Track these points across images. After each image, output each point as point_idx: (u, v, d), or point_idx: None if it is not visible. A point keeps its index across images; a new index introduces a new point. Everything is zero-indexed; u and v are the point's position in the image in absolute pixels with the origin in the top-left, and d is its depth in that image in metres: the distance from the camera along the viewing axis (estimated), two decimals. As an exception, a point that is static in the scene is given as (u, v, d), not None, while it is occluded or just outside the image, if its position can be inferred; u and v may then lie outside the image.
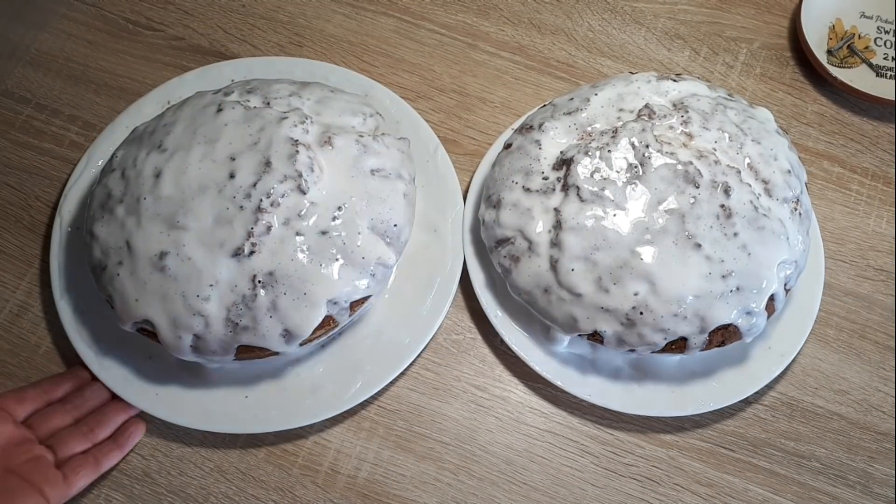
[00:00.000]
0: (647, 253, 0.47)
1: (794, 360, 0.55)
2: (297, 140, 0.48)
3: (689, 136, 0.50)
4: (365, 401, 0.55)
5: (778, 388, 0.56)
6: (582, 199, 0.48)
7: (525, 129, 0.54)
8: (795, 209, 0.50)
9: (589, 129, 0.52)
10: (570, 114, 0.53)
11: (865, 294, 0.59)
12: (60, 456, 0.49)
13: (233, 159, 0.48)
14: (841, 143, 0.65)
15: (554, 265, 0.48)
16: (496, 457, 0.54)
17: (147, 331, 0.48)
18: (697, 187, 0.48)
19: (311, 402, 0.52)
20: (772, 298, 0.48)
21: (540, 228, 0.49)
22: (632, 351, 0.49)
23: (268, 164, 0.47)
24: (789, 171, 0.51)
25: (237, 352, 0.47)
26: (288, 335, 0.47)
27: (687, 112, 0.51)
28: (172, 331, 0.47)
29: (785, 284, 0.49)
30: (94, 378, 0.53)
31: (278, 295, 0.46)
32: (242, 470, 0.54)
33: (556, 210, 0.49)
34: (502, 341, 0.54)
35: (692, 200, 0.48)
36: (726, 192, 0.48)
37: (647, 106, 0.51)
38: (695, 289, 0.46)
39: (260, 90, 0.53)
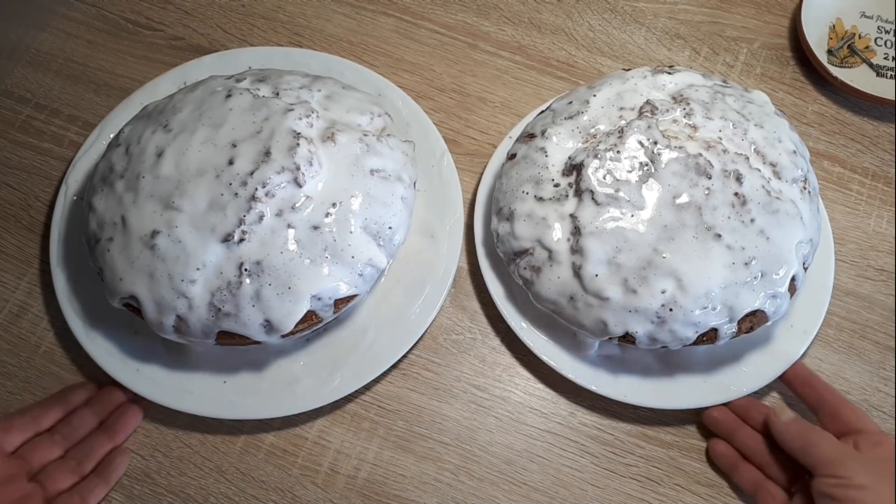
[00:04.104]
0: (670, 249, 0.47)
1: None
2: (299, 133, 0.48)
3: (694, 127, 0.51)
4: (364, 400, 0.55)
5: (778, 388, 0.56)
6: (597, 203, 0.48)
7: (527, 137, 0.54)
8: (804, 188, 0.50)
9: (592, 130, 0.52)
10: (571, 118, 0.52)
11: (866, 294, 0.59)
12: (49, 492, 0.47)
13: (234, 146, 0.48)
14: (841, 143, 0.65)
15: (577, 272, 0.48)
16: (496, 457, 0.54)
17: (133, 307, 0.49)
18: (710, 178, 0.48)
19: (288, 395, 0.53)
20: (793, 279, 0.48)
21: (558, 236, 0.49)
22: (663, 347, 0.49)
23: (267, 153, 0.47)
24: (794, 152, 0.51)
25: (219, 337, 0.48)
26: (269, 326, 0.47)
27: (688, 104, 0.51)
28: (156, 310, 0.47)
29: (803, 263, 0.49)
30: (82, 401, 0.53)
31: (263, 285, 0.46)
32: (242, 470, 0.54)
33: (573, 216, 0.49)
34: (530, 351, 0.54)
35: (706, 192, 0.48)
36: (738, 179, 0.48)
37: (648, 102, 0.51)
38: (721, 279, 0.47)
39: (271, 80, 0.53)
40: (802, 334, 0.54)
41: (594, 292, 0.48)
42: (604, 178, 0.49)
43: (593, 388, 0.53)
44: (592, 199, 0.48)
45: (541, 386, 0.56)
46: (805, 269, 0.50)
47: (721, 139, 0.50)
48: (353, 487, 0.53)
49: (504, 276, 0.55)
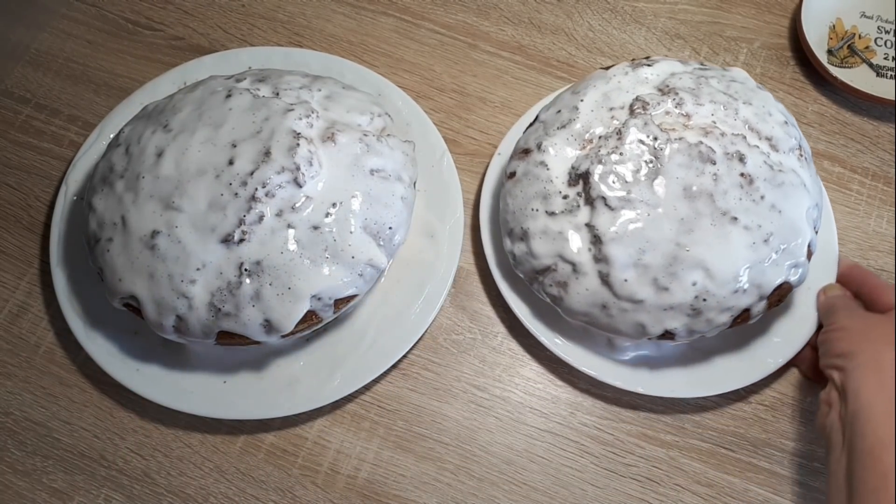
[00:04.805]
0: (691, 241, 0.47)
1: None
2: (299, 133, 0.48)
3: (687, 116, 0.50)
4: (364, 400, 0.55)
5: (778, 388, 0.56)
6: (611, 208, 0.48)
7: (522, 153, 0.53)
8: (801, 155, 0.51)
9: (588, 136, 0.51)
10: (563, 126, 0.52)
11: (866, 294, 0.59)
12: None
13: (234, 146, 0.48)
14: (841, 143, 0.65)
15: (605, 280, 0.48)
16: (496, 457, 0.54)
17: (133, 307, 0.49)
18: (714, 164, 0.48)
19: (288, 395, 0.53)
20: (808, 244, 0.49)
21: (578, 247, 0.49)
22: (700, 336, 0.49)
23: (267, 153, 0.47)
24: (785, 122, 0.51)
25: (219, 337, 0.48)
26: (269, 326, 0.47)
27: (676, 94, 0.51)
28: (156, 310, 0.47)
29: (814, 227, 0.50)
30: None
31: (263, 285, 0.46)
32: (242, 470, 0.54)
33: (589, 225, 0.49)
34: (572, 368, 0.54)
35: (714, 177, 0.48)
36: (741, 159, 0.48)
37: (637, 98, 0.51)
38: (745, 260, 0.47)
39: (271, 80, 0.53)
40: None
41: (627, 297, 0.48)
42: (612, 182, 0.48)
43: (640, 390, 0.53)
44: (605, 204, 0.48)
45: (541, 386, 0.56)
46: (816, 232, 0.50)
47: (715, 123, 0.50)
48: (353, 487, 0.53)
49: (526, 294, 0.55)
